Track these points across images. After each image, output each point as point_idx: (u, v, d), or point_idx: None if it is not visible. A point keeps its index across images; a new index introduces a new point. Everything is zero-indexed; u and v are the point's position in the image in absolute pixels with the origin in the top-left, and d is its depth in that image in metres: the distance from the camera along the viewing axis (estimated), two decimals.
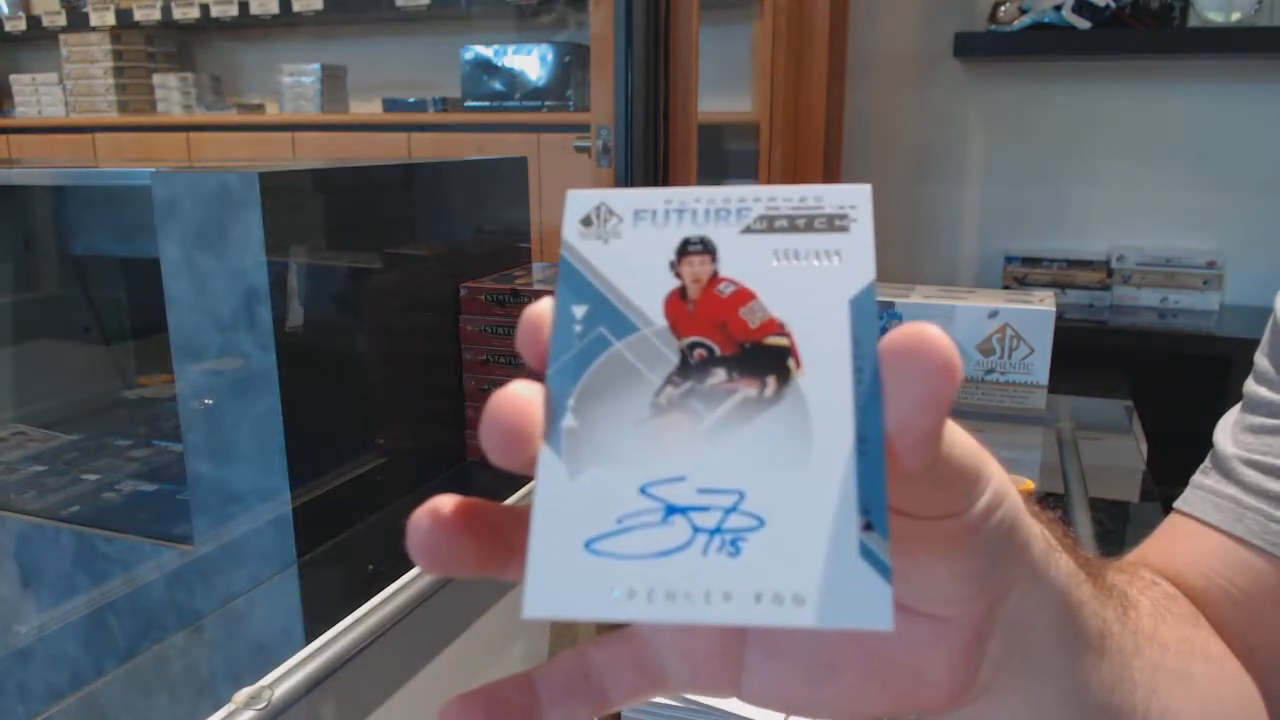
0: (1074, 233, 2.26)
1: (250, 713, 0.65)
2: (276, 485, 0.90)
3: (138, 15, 3.21)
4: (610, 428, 0.21)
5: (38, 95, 3.50)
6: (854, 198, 0.23)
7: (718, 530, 0.20)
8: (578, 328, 0.23)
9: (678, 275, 0.23)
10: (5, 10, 3.47)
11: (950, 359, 0.20)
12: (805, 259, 0.23)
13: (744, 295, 0.23)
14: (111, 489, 1.18)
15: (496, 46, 2.69)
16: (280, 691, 0.67)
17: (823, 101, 2.15)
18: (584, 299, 0.23)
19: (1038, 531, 0.26)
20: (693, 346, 0.22)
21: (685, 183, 1.68)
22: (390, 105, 2.91)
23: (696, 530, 0.20)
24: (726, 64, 2.23)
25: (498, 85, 2.70)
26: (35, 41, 3.50)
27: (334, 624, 0.76)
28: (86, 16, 3.31)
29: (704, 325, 0.22)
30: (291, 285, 0.89)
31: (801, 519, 0.20)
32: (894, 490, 0.20)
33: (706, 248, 0.23)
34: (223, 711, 0.65)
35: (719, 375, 0.22)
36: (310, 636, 0.75)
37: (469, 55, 2.72)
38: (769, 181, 2.22)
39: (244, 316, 0.87)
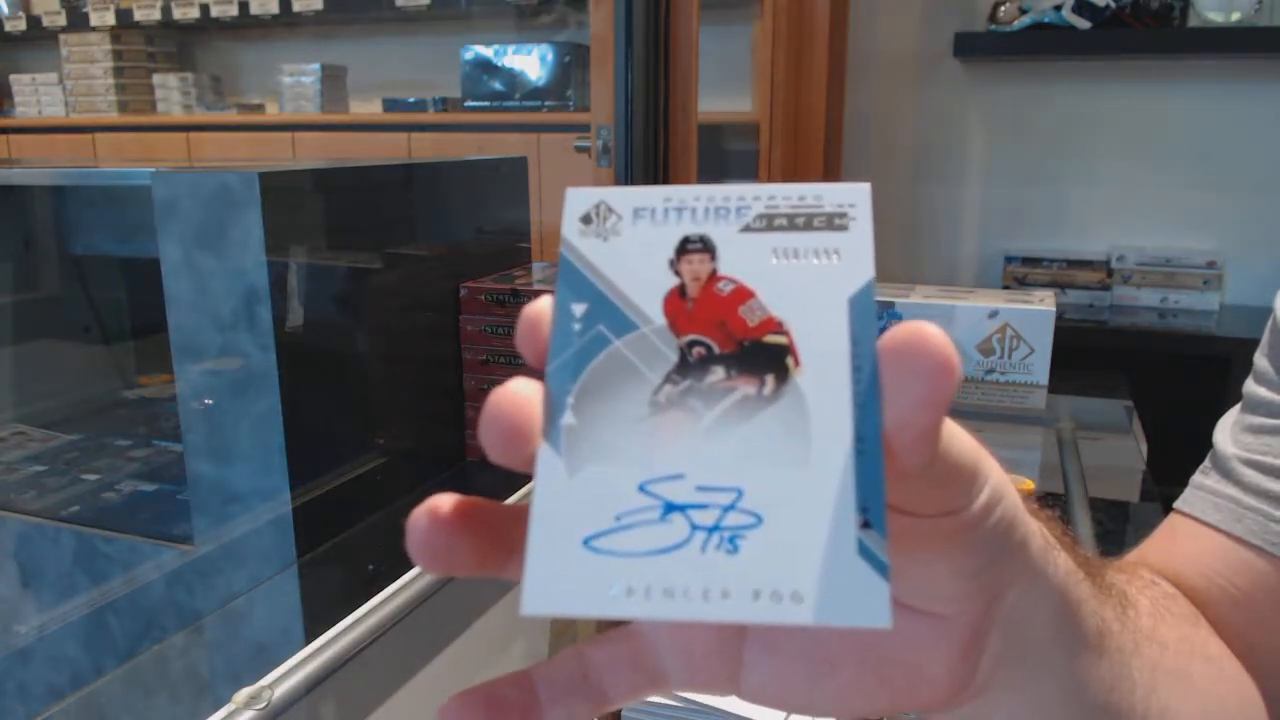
0: (1074, 233, 2.26)
1: (250, 713, 0.65)
2: (276, 485, 0.90)
3: (138, 15, 3.21)
4: (609, 425, 0.21)
5: (38, 95, 3.50)
6: (853, 196, 0.23)
7: (716, 528, 0.20)
8: (577, 326, 0.23)
9: (677, 273, 0.23)
10: (5, 10, 3.47)
11: (948, 357, 0.20)
12: (804, 257, 0.23)
13: (743, 294, 0.23)
14: (111, 489, 1.18)
15: (496, 46, 2.69)
16: (280, 691, 0.67)
17: (823, 101, 2.15)
18: (583, 297, 0.23)
19: (1036, 529, 0.27)
20: (691, 345, 0.22)
21: (685, 182, 1.67)
22: (390, 105, 2.91)
23: (695, 528, 0.20)
24: (726, 64, 2.23)
25: (498, 85, 2.70)
26: (35, 41, 3.50)
27: (334, 624, 0.76)
28: (86, 16, 3.31)
29: (703, 323, 0.22)
30: (291, 285, 0.89)
31: (800, 517, 0.20)
32: (892, 488, 0.20)
33: (706, 246, 0.23)
34: (223, 711, 0.65)
35: (718, 373, 0.22)
36: (310, 636, 0.75)
37: (469, 55, 2.72)
38: (769, 181, 2.21)
39: (244, 316, 0.87)
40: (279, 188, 0.87)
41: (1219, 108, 2.13)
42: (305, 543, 0.91)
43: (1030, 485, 0.94)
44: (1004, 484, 0.25)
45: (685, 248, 0.23)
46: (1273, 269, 2.13)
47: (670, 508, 0.21)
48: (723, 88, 2.19)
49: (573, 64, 2.61)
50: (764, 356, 0.22)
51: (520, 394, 0.21)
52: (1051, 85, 2.24)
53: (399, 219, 1.09)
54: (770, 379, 0.22)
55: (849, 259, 0.23)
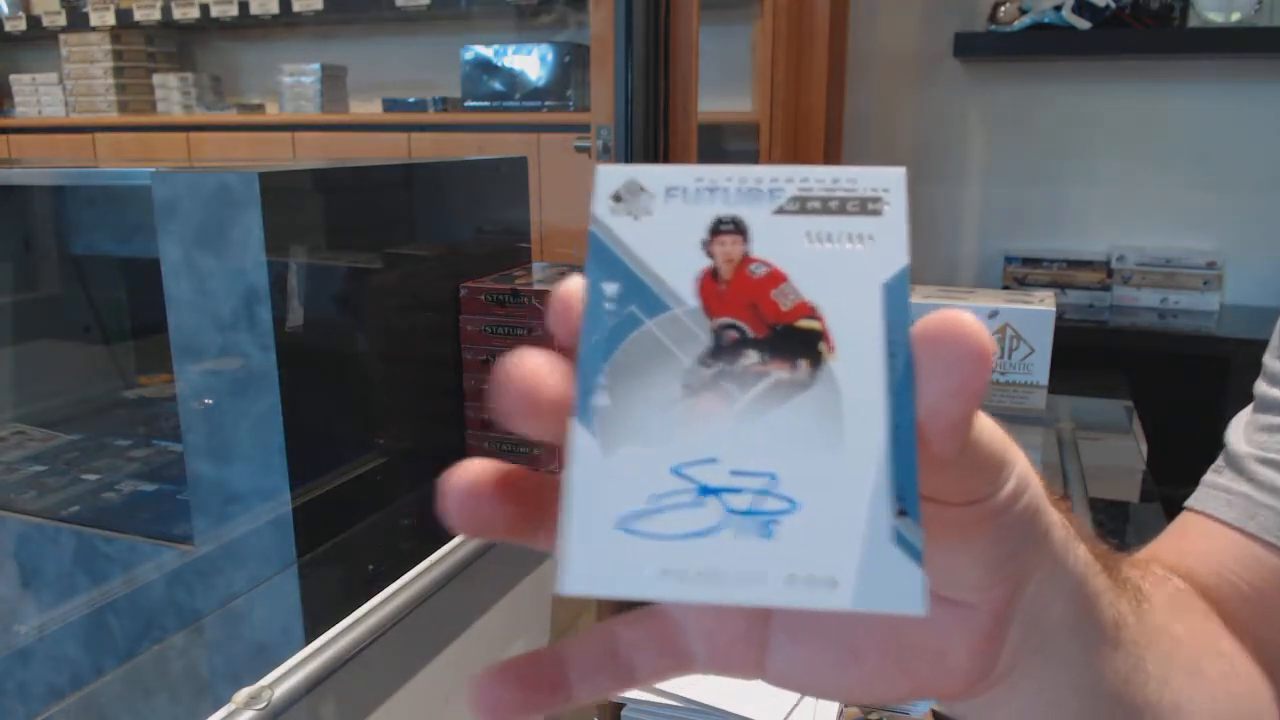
0: (1074, 233, 2.26)
1: (250, 713, 0.65)
2: (276, 485, 0.90)
3: (138, 15, 3.21)
4: (642, 407, 0.21)
5: (38, 95, 3.50)
6: (888, 181, 0.23)
7: (750, 512, 0.20)
8: (609, 305, 0.22)
9: (709, 255, 0.23)
10: (5, 10, 3.47)
11: (983, 346, 0.20)
12: (838, 242, 0.23)
13: (776, 277, 0.22)
14: (111, 489, 1.18)
15: (496, 46, 2.69)
16: (280, 691, 0.67)
17: (823, 101, 2.15)
18: (615, 277, 0.23)
19: (1057, 520, 0.27)
20: (724, 328, 0.22)
21: None
22: (390, 105, 2.91)
23: (729, 511, 0.21)
24: (726, 64, 2.23)
25: (498, 85, 2.70)
26: (35, 41, 3.50)
27: (334, 624, 0.76)
28: (86, 16, 3.31)
29: (735, 306, 0.22)
30: (291, 285, 0.89)
31: (834, 502, 0.20)
32: (922, 475, 0.20)
33: (739, 228, 0.23)
34: (223, 711, 0.65)
35: (751, 357, 0.22)
36: (310, 636, 0.75)
37: (469, 55, 2.72)
38: None
39: (244, 316, 0.87)
40: (279, 188, 0.87)
41: (1219, 108, 2.13)
42: (305, 543, 0.91)
43: None
44: (1029, 473, 0.25)
45: (718, 229, 0.23)
46: (1273, 269, 2.13)
47: (704, 491, 0.21)
48: (723, 88, 2.19)
49: (573, 64, 2.61)
50: (797, 341, 0.22)
51: (534, 361, 0.21)
52: (1051, 85, 2.24)
53: (399, 219, 1.08)
54: (803, 364, 0.22)
55: (883, 244, 0.22)
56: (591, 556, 0.20)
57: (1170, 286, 2.14)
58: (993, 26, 2.15)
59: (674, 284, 0.22)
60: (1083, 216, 2.27)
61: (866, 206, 0.23)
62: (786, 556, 0.20)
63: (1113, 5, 2.02)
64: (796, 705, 0.60)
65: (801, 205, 0.23)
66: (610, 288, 0.22)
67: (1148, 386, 1.41)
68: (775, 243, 0.23)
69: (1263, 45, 2.03)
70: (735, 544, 0.20)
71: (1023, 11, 2.11)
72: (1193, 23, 2.05)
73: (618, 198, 0.24)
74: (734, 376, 0.22)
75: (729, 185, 0.24)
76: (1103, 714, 0.31)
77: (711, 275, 0.23)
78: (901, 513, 0.20)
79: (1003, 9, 2.14)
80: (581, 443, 0.21)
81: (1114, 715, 0.31)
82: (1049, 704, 0.29)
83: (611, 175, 0.24)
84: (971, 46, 2.18)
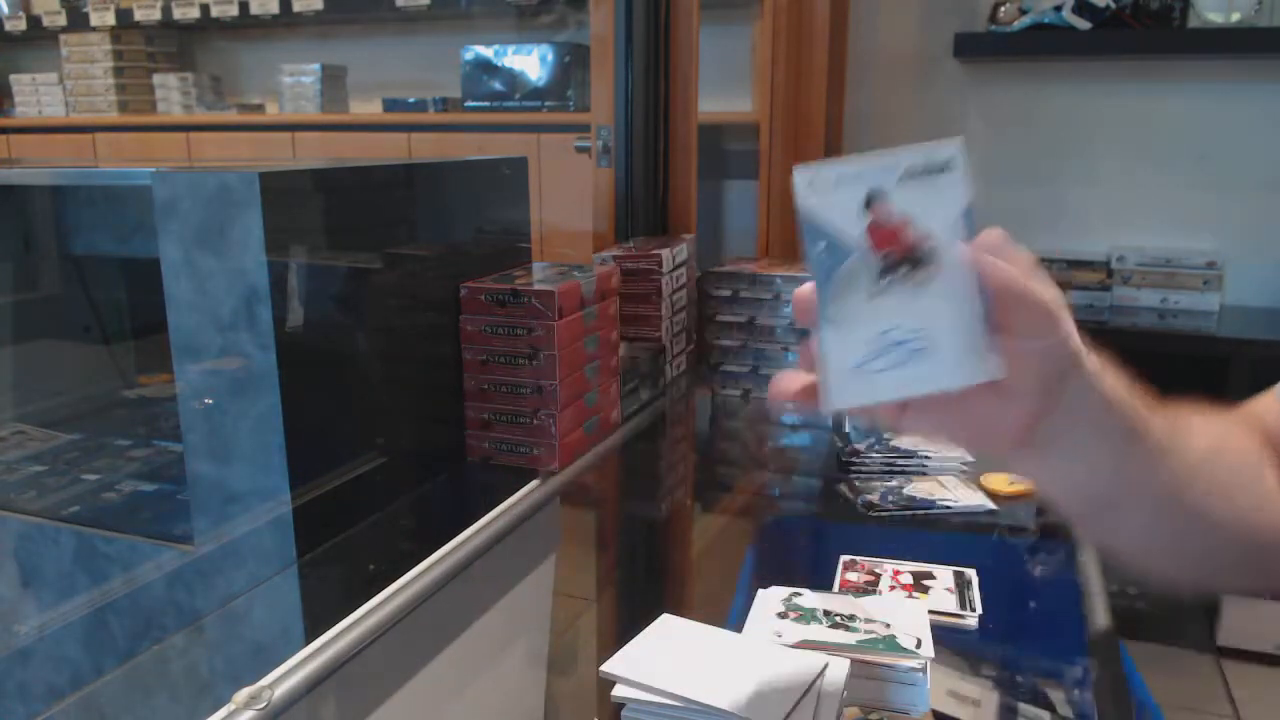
0: (1074, 233, 2.26)
1: (250, 713, 0.65)
2: (276, 485, 0.89)
3: (138, 15, 3.22)
4: (852, 306, 0.44)
5: (38, 95, 3.50)
6: (952, 148, 0.43)
7: (918, 350, 0.43)
8: (821, 256, 0.44)
9: (868, 213, 0.43)
10: (5, 10, 3.47)
11: (1001, 245, 0.43)
12: (935, 191, 0.43)
13: (905, 222, 0.43)
14: (111, 489, 1.17)
15: (496, 46, 2.69)
16: (280, 691, 0.67)
17: (823, 101, 2.15)
18: (820, 238, 0.44)
19: (1094, 358, 0.46)
20: (884, 256, 0.44)
21: (685, 183, 1.68)
22: (390, 105, 2.92)
23: (907, 350, 0.44)
24: (726, 64, 2.23)
25: (498, 85, 2.70)
26: (35, 41, 3.50)
27: (334, 624, 0.76)
28: (86, 16, 3.31)
29: (887, 243, 0.43)
30: (291, 285, 0.89)
31: (954, 336, 0.43)
32: (1007, 320, 0.43)
33: (881, 196, 0.43)
34: (223, 711, 0.65)
35: (903, 270, 0.43)
36: (310, 636, 0.75)
37: (469, 55, 2.72)
38: (769, 180, 2.21)
39: (244, 316, 0.87)
40: (279, 188, 0.87)
41: (1219, 108, 2.13)
42: (305, 543, 0.91)
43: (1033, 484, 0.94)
44: (1072, 332, 0.45)
45: (870, 198, 0.43)
46: (1273, 269, 2.13)
47: (893, 343, 0.44)
48: (723, 88, 2.20)
49: (573, 64, 2.61)
50: (924, 257, 0.43)
51: (807, 289, 0.45)
52: (1051, 85, 2.24)
53: (399, 219, 1.08)
54: (930, 269, 0.43)
55: (957, 189, 0.43)
56: (842, 387, 0.44)
57: (1170, 286, 2.14)
58: (993, 27, 2.15)
59: (853, 237, 0.44)
60: (1083, 216, 2.27)
61: (944, 167, 0.43)
62: (940, 365, 0.43)
63: (1113, 5, 2.02)
64: (796, 705, 0.60)
65: (911, 173, 0.43)
66: (820, 245, 0.44)
67: (1148, 386, 1.41)
68: (902, 199, 0.43)
69: (1263, 45, 2.03)
70: (915, 365, 0.43)
71: (1023, 12, 2.11)
72: (1193, 23, 2.05)
73: (809, 186, 0.44)
74: (895, 282, 0.43)
75: (870, 169, 0.44)
76: (1131, 487, 0.50)
77: (872, 227, 0.43)
78: (986, 332, 0.43)
79: (1003, 9, 2.14)
80: (826, 330, 0.44)
81: (1139, 491, 0.50)
82: (1090, 467, 0.49)
83: (804, 172, 0.44)
84: (971, 47, 2.18)
